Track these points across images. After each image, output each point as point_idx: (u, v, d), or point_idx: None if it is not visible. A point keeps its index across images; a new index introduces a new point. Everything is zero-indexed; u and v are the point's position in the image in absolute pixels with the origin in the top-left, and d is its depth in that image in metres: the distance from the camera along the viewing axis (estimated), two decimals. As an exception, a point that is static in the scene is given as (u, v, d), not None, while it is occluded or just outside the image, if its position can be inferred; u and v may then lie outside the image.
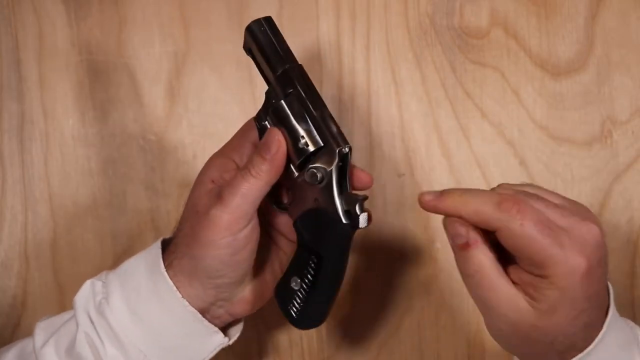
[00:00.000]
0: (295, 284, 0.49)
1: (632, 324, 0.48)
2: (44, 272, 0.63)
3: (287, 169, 0.48)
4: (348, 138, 0.48)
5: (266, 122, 0.49)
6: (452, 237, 0.44)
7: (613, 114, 0.60)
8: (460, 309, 0.61)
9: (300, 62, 0.49)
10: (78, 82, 0.62)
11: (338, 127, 0.48)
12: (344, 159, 0.47)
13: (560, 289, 0.41)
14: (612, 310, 0.45)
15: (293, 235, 0.51)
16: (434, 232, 0.61)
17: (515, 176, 0.60)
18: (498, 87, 0.60)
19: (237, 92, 0.62)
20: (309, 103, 0.47)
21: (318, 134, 0.47)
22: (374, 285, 0.62)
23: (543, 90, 0.60)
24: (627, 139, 0.60)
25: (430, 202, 0.45)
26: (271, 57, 0.49)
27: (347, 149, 0.47)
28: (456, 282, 0.61)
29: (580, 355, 0.43)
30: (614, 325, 0.45)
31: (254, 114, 0.61)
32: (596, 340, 0.43)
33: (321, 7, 0.61)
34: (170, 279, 0.48)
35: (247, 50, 0.51)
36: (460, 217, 0.44)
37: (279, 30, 0.50)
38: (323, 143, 0.47)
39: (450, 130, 0.61)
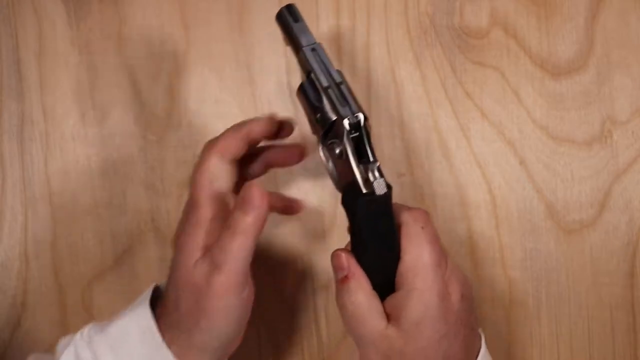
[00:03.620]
0: None
1: None
2: (44, 272, 0.63)
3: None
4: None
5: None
6: (335, 269, 0.48)
7: (613, 114, 0.60)
8: (460, 309, 0.61)
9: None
10: (78, 82, 0.62)
11: (353, 101, 0.48)
12: (357, 128, 0.47)
13: (423, 304, 0.45)
14: (483, 353, 0.48)
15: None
16: (434, 232, 0.61)
17: (516, 176, 0.61)
18: (498, 87, 0.60)
19: (237, 92, 0.62)
20: (322, 81, 0.48)
21: (331, 109, 0.47)
22: (374, 285, 0.62)
23: (543, 90, 0.60)
24: (627, 139, 0.60)
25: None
26: (292, 42, 0.50)
27: (357, 118, 0.47)
28: (456, 282, 0.61)
29: None
30: None
31: (254, 114, 0.62)
32: None
33: (321, 7, 0.61)
34: (177, 353, 0.47)
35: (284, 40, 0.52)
36: None
37: (297, 15, 0.50)
38: (336, 118, 0.47)
39: (450, 130, 0.61)
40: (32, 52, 0.62)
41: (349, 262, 0.47)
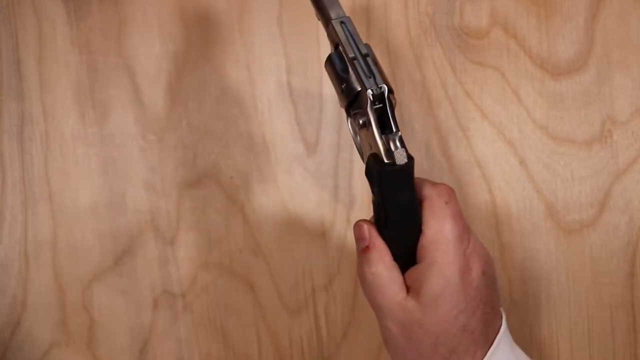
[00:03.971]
0: None
1: None
2: (44, 272, 0.63)
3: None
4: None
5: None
6: (356, 240, 0.48)
7: (613, 114, 0.60)
8: (460, 309, 0.61)
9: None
10: (78, 82, 0.62)
11: (379, 73, 0.48)
12: (381, 100, 0.47)
13: (443, 278, 0.45)
14: (503, 331, 0.48)
15: None
16: (434, 232, 0.61)
17: (516, 176, 0.61)
18: (498, 87, 0.60)
19: (237, 92, 0.62)
20: (348, 52, 0.48)
21: (356, 80, 0.48)
22: (374, 285, 0.62)
23: (543, 90, 0.60)
24: (627, 139, 0.60)
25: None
26: (322, 15, 0.51)
27: (381, 89, 0.47)
28: (456, 282, 0.61)
29: None
30: (503, 347, 0.48)
31: (254, 114, 0.62)
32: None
33: (321, 7, 0.61)
34: None
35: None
36: None
37: None
38: (360, 88, 0.48)
39: (450, 130, 0.61)
40: (32, 52, 0.62)
41: (370, 233, 0.48)
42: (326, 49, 0.61)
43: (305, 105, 0.62)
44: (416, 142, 0.61)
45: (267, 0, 0.61)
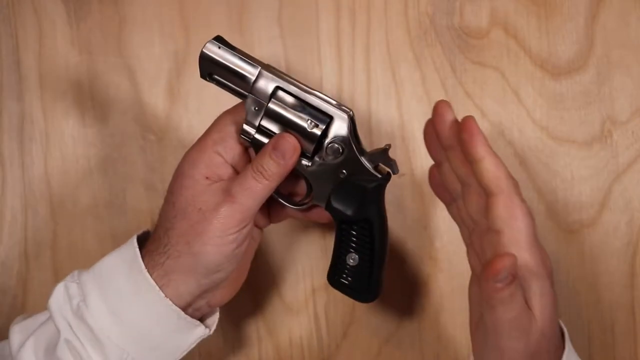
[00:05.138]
0: (353, 261, 0.51)
1: None
2: (44, 272, 0.63)
3: (297, 166, 0.49)
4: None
5: (257, 135, 0.49)
6: (500, 280, 0.42)
7: (613, 114, 0.60)
8: (460, 309, 0.61)
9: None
10: (78, 82, 0.62)
11: (332, 98, 0.49)
12: (352, 122, 0.49)
13: (536, 274, 0.44)
14: (568, 344, 0.48)
15: (260, 221, 0.53)
16: (434, 232, 0.61)
17: (516, 176, 0.60)
18: (498, 87, 0.60)
19: (237, 92, 0.62)
20: (296, 90, 0.48)
21: (321, 112, 0.48)
22: (374, 285, 0.62)
23: (543, 90, 0.60)
24: (627, 139, 0.60)
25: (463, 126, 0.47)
26: (240, 69, 0.49)
27: (352, 112, 0.48)
28: (456, 282, 0.61)
29: None
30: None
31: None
32: None
33: (321, 7, 0.61)
34: (162, 278, 0.48)
35: (207, 75, 0.50)
36: (482, 162, 0.47)
37: (230, 43, 0.49)
38: (330, 117, 0.48)
39: (450, 130, 0.61)
40: (32, 52, 0.62)
41: (514, 265, 0.42)
42: (326, 48, 0.61)
43: (305, 105, 0.62)
44: (416, 143, 0.61)
45: (267, 0, 0.61)
